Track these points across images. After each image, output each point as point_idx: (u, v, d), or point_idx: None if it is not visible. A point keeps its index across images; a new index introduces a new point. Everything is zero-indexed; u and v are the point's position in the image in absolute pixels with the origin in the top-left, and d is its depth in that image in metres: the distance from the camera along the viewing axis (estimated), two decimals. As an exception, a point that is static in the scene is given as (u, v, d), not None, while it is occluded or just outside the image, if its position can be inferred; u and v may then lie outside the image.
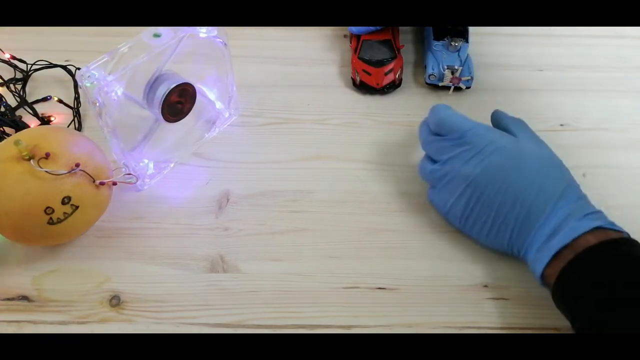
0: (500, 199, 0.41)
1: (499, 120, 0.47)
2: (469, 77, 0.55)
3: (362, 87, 0.56)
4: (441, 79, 0.55)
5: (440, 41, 0.56)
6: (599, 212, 0.41)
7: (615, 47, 0.61)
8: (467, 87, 0.56)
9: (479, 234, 0.43)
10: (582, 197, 0.42)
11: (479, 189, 0.42)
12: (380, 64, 0.54)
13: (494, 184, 0.41)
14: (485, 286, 0.44)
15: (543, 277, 0.40)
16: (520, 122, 0.47)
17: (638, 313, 0.34)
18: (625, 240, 0.38)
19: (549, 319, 0.42)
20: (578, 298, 0.37)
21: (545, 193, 0.40)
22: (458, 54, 0.55)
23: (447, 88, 0.56)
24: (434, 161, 0.45)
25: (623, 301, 0.35)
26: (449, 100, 0.56)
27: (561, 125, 0.54)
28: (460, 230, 0.45)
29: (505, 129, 0.45)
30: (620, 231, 0.39)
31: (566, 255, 0.38)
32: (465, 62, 0.55)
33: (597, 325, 0.35)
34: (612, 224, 0.39)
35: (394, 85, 0.56)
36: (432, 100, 0.56)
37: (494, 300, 0.43)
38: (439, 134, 0.45)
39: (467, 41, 0.56)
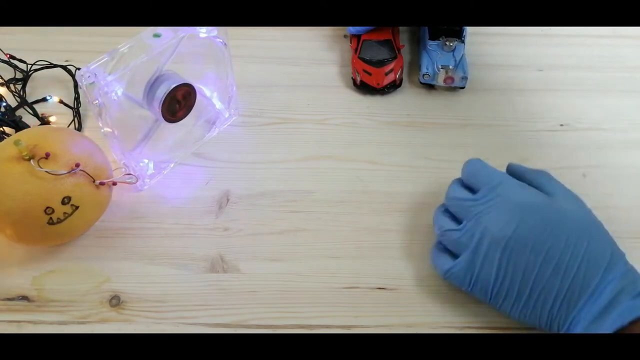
0: (538, 266, 0.37)
1: (520, 176, 0.42)
2: (463, 77, 0.55)
3: (363, 87, 0.56)
4: (435, 78, 0.55)
5: (436, 41, 0.56)
6: None
7: (615, 47, 0.61)
8: (462, 87, 0.56)
9: (512, 307, 0.38)
10: (630, 269, 0.37)
11: (514, 253, 0.37)
12: (380, 64, 0.54)
13: (531, 248, 0.37)
14: (485, 286, 0.43)
15: None
16: (546, 175, 0.42)
17: None
18: None
19: (549, 319, 0.42)
20: None
21: (590, 261, 0.36)
22: (453, 54, 0.55)
23: (441, 88, 0.56)
24: (458, 223, 0.41)
25: None
26: (446, 99, 0.56)
27: (561, 125, 0.54)
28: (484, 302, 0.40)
29: (530, 184, 0.41)
30: None
31: None
32: (460, 62, 0.55)
33: None
34: None
35: (394, 85, 0.56)
36: (428, 100, 0.56)
37: (494, 300, 0.43)
38: (470, 187, 0.42)
39: (462, 41, 0.56)
